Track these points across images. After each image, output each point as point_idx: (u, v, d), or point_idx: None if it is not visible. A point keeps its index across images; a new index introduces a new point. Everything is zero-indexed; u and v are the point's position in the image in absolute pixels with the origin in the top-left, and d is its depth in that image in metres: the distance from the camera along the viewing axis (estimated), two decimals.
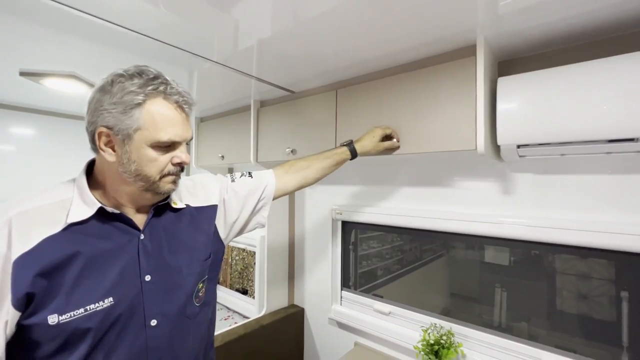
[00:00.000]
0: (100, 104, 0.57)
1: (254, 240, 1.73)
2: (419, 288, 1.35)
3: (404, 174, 1.28)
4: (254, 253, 1.80)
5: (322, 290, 1.54)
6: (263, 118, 1.49)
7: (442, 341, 1.02)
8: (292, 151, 1.33)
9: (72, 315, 0.54)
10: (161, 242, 0.66)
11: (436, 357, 1.00)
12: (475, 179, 1.11)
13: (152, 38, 0.90)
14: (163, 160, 0.61)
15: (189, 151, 0.67)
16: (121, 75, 0.58)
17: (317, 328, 1.58)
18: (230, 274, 2.02)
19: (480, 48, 0.87)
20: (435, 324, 1.11)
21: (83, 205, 0.58)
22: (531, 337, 1.00)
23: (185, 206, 0.72)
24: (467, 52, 0.91)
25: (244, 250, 1.91)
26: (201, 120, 1.91)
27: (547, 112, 0.79)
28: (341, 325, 1.46)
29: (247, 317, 1.69)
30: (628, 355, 0.86)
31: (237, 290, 1.92)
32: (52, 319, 0.53)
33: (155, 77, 0.59)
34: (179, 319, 0.67)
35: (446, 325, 1.11)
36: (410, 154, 1.01)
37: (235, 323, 1.45)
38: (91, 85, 1.25)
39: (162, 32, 0.88)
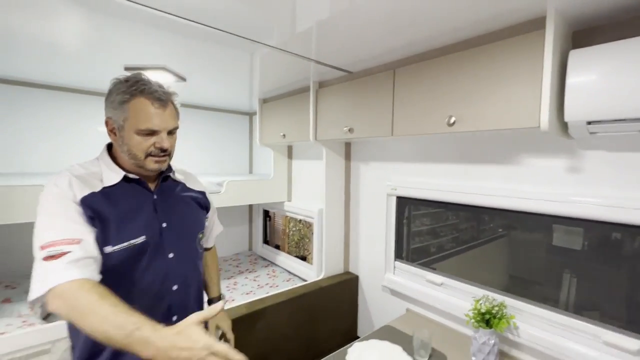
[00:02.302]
0: (107, 101, 0.80)
1: (312, 212, 1.89)
2: (473, 268, 1.37)
3: (459, 151, 1.29)
4: (310, 224, 1.97)
5: (375, 260, 1.65)
6: (322, 98, 1.58)
7: (493, 311, 1.07)
8: (349, 130, 1.41)
9: (121, 246, 0.78)
10: (170, 201, 0.91)
11: (487, 325, 1.06)
12: (540, 157, 1.08)
13: (216, 29, 1.01)
14: (146, 144, 0.80)
15: (170, 138, 0.84)
16: (119, 81, 0.80)
17: (370, 293, 1.71)
18: (288, 243, 2.23)
19: (550, 20, 0.83)
20: (488, 295, 1.15)
21: (112, 174, 0.83)
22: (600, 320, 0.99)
23: (183, 181, 0.99)
24: (534, 25, 0.88)
25: (300, 221, 2.09)
26: (264, 101, 2.07)
27: (623, 86, 0.75)
28: (394, 293, 1.57)
29: (305, 280, 1.89)
30: None
31: (297, 257, 2.14)
32: (108, 249, 0.76)
33: (138, 81, 0.78)
34: (187, 255, 0.92)
35: (499, 297, 1.15)
36: (468, 132, 1.03)
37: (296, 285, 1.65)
38: (178, 76, 1.45)
39: (225, 21, 0.99)
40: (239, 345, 1.31)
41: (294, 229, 2.17)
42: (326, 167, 1.69)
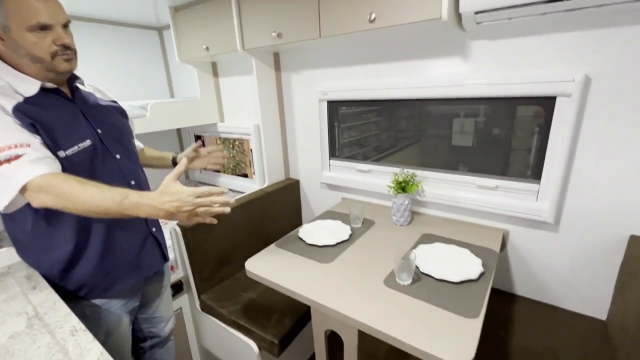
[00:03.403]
0: None
1: (248, 129, 1.93)
2: (393, 155, 1.66)
3: (377, 51, 1.44)
4: (247, 141, 2.02)
5: (312, 163, 1.85)
6: (245, 1, 1.50)
7: (407, 179, 1.38)
8: (278, 35, 1.42)
9: (72, 150, 0.80)
10: (94, 110, 0.91)
11: (403, 191, 1.37)
12: (441, 51, 1.29)
13: None
14: (45, 43, 0.75)
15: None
16: None
17: (311, 192, 1.95)
18: (224, 171, 2.28)
19: None
20: (404, 170, 1.45)
21: (25, 84, 0.76)
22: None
23: (93, 91, 0.97)
24: None
25: (234, 147, 2.12)
26: (176, 10, 1.85)
27: None
28: (331, 187, 1.82)
29: None
30: (531, 172, 1.24)
31: (238, 175, 2.22)
32: (61, 154, 0.78)
33: None
34: (132, 157, 0.98)
35: (412, 170, 1.46)
36: (386, 27, 1.15)
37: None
38: None
39: None
40: (202, 249, 1.44)
41: (233, 151, 2.20)
42: (258, 81, 1.70)
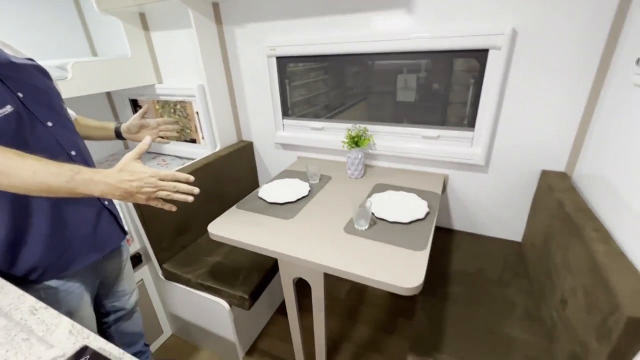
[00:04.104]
0: None
1: (191, 90, 1.80)
2: (346, 111, 1.70)
3: (324, 3, 1.40)
4: (190, 103, 1.89)
5: (265, 123, 1.82)
6: None
7: (360, 134, 1.44)
8: None
9: None
10: (8, 70, 0.76)
11: (356, 145, 1.44)
12: (388, 4, 1.30)
13: None
14: None
15: None
16: None
17: (265, 153, 1.94)
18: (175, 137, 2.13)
19: None
20: (356, 125, 1.51)
21: None
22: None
23: (2, 47, 0.80)
24: None
25: (175, 111, 1.97)
26: None
27: None
28: (285, 147, 1.83)
29: None
30: (467, 121, 1.38)
31: (186, 141, 2.10)
32: None
33: None
34: (67, 124, 0.86)
35: (364, 125, 1.53)
36: None
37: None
38: None
39: None
40: (158, 219, 1.39)
41: (175, 116, 2.05)
42: (198, 34, 1.56)
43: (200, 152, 1.99)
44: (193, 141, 2.06)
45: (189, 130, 2.01)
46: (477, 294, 1.17)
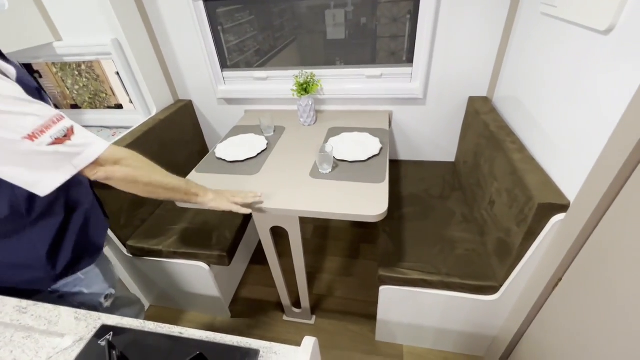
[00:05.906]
0: None
1: (105, 46, 1.54)
2: (288, 58, 1.64)
3: None
4: (99, 62, 1.63)
5: (202, 78, 1.69)
6: None
7: (308, 80, 1.45)
8: None
9: None
10: None
11: (305, 92, 1.45)
12: None
13: None
14: None
15: None
16: None
17: (209, 111, 1.83)
18: (79, 104, 1.84)
19: None
20: (303, 71, 1.50)
21: None
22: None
23: None
24: None
25: (80, 65, 1.68)
26: None
27: None
28: (229, 101, 1.75)
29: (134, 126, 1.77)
30: (406, 57, 1.46)
31: (109, 107, 1.85)
32: None
33: None
34: None
35: (310, 71, 1.52)
36: None
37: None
38: None
39: None
40: (109, 196, 1.29)
41: (76, 87, 1.76)
42: None
43: (131, 118, 1.79)
44: (119, 107, 1.83)
45: (104, 95, 1.77)
46: (425, 210, 1.39)
